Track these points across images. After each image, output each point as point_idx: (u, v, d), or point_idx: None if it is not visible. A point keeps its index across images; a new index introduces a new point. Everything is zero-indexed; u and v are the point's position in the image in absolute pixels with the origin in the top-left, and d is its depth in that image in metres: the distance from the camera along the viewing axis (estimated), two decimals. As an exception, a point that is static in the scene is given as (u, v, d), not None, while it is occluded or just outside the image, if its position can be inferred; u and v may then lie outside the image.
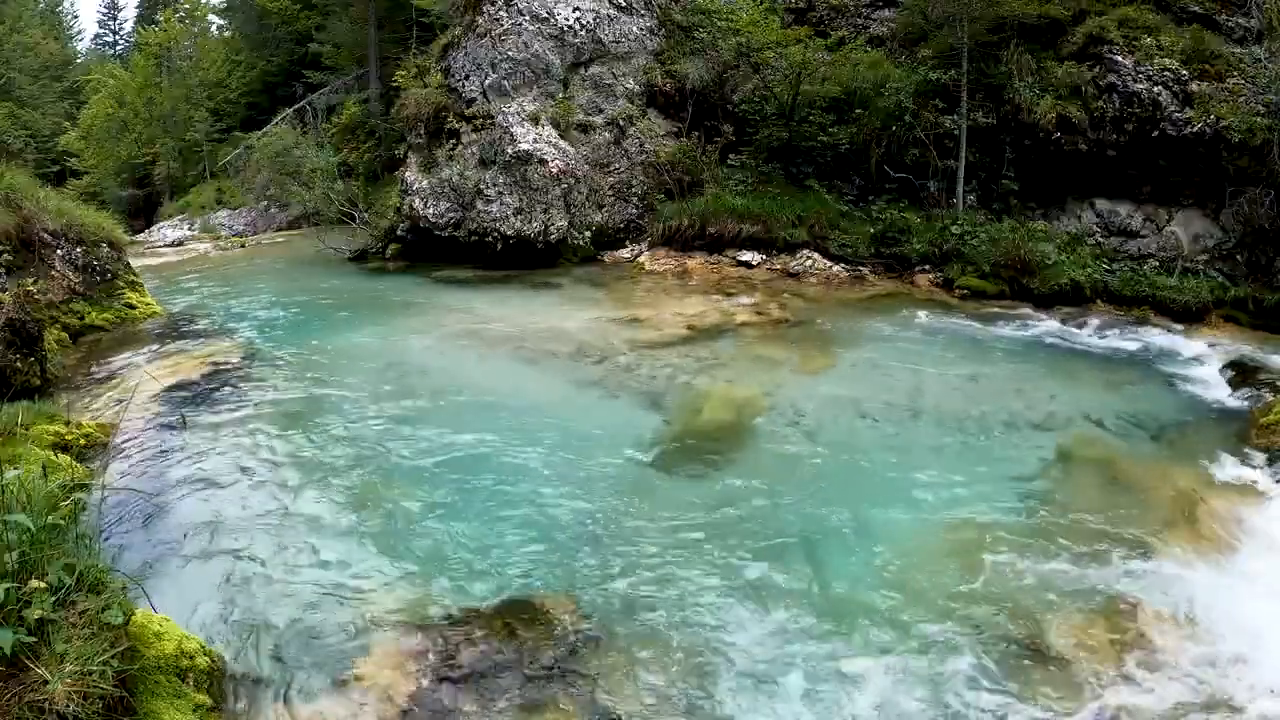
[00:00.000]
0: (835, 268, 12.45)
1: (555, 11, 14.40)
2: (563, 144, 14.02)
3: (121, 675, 2.95)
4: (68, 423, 5.73)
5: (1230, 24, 12.16)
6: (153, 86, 30.90)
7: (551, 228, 13.65)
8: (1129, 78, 11.69)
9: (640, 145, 14.72)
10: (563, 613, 4.16)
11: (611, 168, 14.53)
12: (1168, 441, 6.62)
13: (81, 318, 8.59)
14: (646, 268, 12.94)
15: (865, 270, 12.42)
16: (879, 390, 7.57)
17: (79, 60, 46.78)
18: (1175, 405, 7.47)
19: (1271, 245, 10.80)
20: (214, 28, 37.43)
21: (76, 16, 71.81)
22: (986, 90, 12.93)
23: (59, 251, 8.78)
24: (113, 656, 2.86)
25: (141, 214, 29.33)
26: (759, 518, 5.18)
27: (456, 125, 14.44)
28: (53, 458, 4.95)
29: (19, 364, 6.46)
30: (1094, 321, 10.25)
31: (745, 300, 10.95)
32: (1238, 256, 11.16)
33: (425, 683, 3.66)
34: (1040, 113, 12.22)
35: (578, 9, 14.54)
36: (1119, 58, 11.90)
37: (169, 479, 5.35)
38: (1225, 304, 10.49)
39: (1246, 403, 7.39)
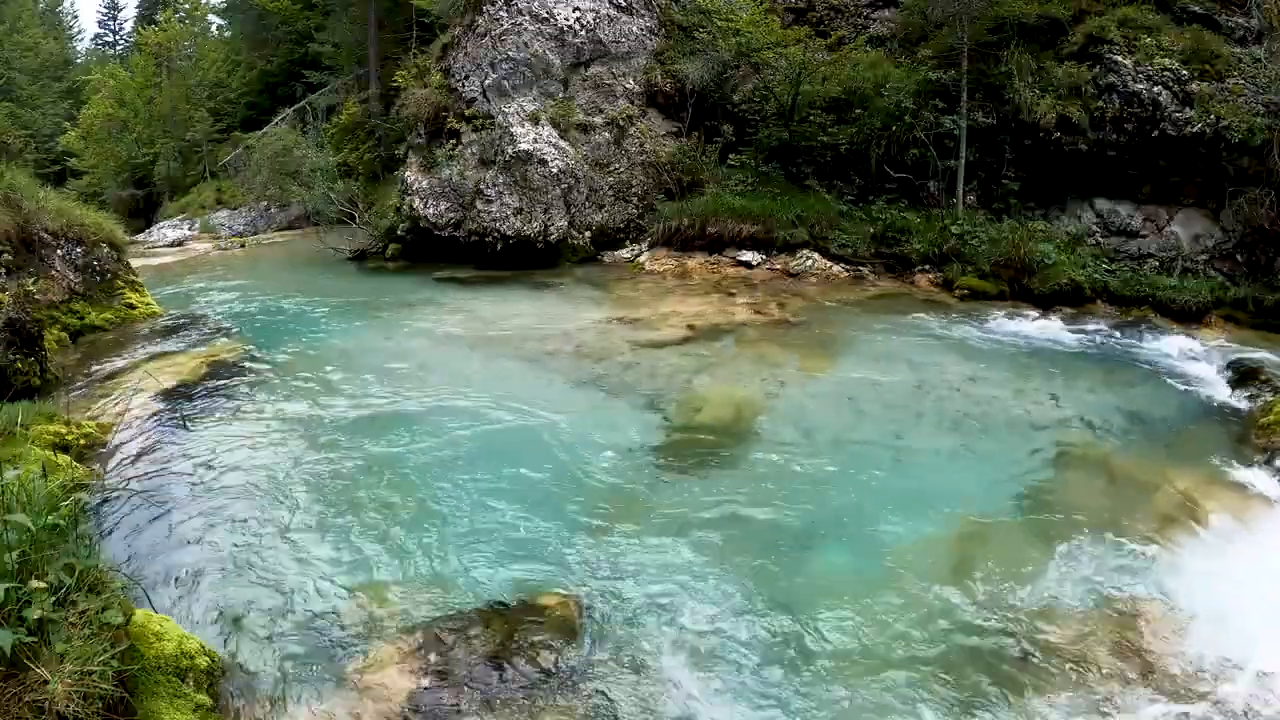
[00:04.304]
0: (835, 268, 12.45)
1: (555, 11, 14.40)
2: (563, 144, 14.02)
3: (121, 675, 2.95)
4: (68, 423, 5.73)
5: (1230, 24, 12.15)
6: (153, 86, 30.90)
7: (551, 228, 13.65)
8: (1129, 78, 11.69)
9: (640, 145, 14.72)
10: (562, 612, 4.16)
11: (611, 168, 14.53)
12: (1167, 441, 6.61)
13: (81, 318, 8.59)
14: (646, 268, 12.94)
15: (865, 270, 12.42)
16: (879, 390, 7.56)
17: (79, 60, 46.76)
18: (1175, 405, 7.47)
19: (1271, 245, 10.80)
20: (214, 28, 37.48)
21: (76, 16, 71.68)
22: (986, 90, 12.93)
23: (59, 251, 8.78)
24: (113, 656, 2.85)
25: (141, 214, 29.30)
26: (758, 518, 5.18)
27: (456, 125, 14.44)
28: (53, 458, 4.94)
29: (19, 364, 6.46)
30: (1094, 322, 10.25)
31: (745, 300, 10.95)
32: (1238, 256, 11.16)
33: (425, 682, 3.66)
34: (1040, 113, 12.21)
35: (578, 9, 14.54)
36: (1119, 58, 11.90)
37: (169, 479, 5.35)
38: (1225, 304, 10.48)
39: (1246, 403, 7.39)
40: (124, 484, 5.17)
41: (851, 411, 7.06)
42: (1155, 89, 11.47)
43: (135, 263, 10.68)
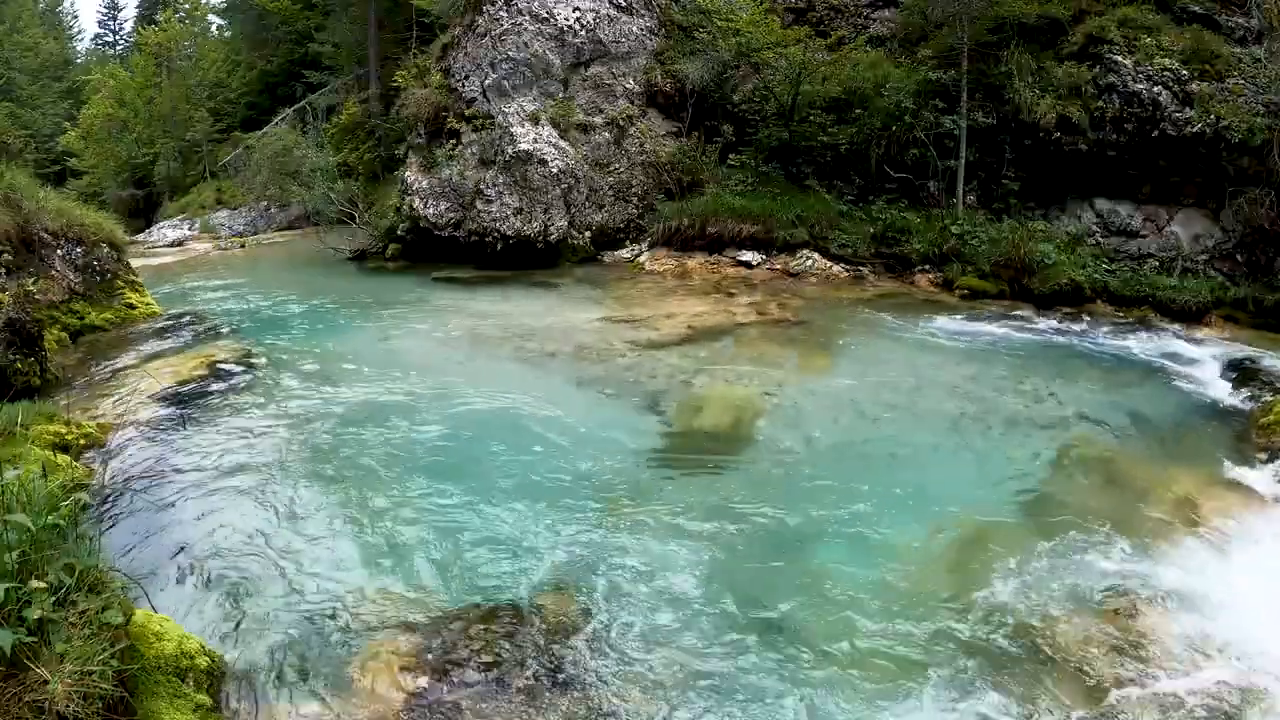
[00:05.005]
0: (835, 268, 12.45)
1: (555, 11, 14.40)
2: (563, 144, 14.02)
3: (121, 675, 2.95)
4: (68, 423, 5.73)
5: (1230, 24, 12.15)
6: (153, 87, 30.90)
7: (551, 228, 13.65)
8: (1129, 78, 11.69)
9: (640, 145, 14.73)
10: (561, 611, 4.16)
11: (611, 168, 14.53)
12: (1167, 441, 6.61)
13: (81, 318, 8.59)
14: (646, 268, 12.94)
15: (865, 270, 12.42)
16: (879, 390, 7.56)
17: (79, 60, 46.75)
18: (1175, 405, 7.47)
19: (1271, 245, 10.80)
20: (214, 28, 37.48)
21: (76, 16, 71.60)
22: (986, 90, 12.93)
23: (59, 251, 8.78)
24: (113, 656, 2.85)
25: (141, 214, 29.29)
26: (758, 518, 5.17)
27: (456, 125, 14.45)
28: (53, 458, 4.94)
29: (19, 364, 6.46)
30: (1094, 322, 10.26)
31: (745, 300, 10.95)
32: (1238, 256, 11.16)
33: (424, 682, 3.66)
34: (1040, 113, 12.21)
35: (578, 9, 14.54)
36: (1119, 58, 11.90)
37: (169, 478, 5.35)
38: (1225, 304, 10.49)
39: (1246, 403, 7.39)
40: (124, 484, 5.17)
41: (851, 411, 7.07)
42: (1155, 89, 11.48)
43: (135, 263, 10.68)
